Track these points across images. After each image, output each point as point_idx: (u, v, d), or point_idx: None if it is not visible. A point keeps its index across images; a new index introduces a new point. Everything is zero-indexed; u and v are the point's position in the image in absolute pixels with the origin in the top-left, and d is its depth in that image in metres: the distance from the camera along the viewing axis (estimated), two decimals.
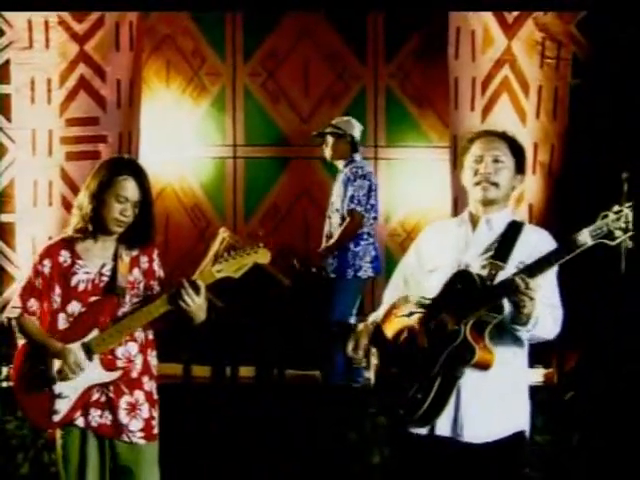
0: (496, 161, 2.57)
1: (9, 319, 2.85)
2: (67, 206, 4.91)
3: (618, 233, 2.24)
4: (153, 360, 2.89)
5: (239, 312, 4.73)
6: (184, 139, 5.85)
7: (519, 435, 2.58)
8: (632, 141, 4.57)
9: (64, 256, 2.82)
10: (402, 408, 2.57)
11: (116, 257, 2.81)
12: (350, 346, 2.69)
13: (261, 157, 6.00)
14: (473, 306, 2.43)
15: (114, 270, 2.79)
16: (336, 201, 4.93)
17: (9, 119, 4.92)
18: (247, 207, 6.00)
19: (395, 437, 2.73)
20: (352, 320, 4.89)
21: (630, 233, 2.22)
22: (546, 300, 2.46)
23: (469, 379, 2.51)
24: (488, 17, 4.88)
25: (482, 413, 2.54)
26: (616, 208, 2.25)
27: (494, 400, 2.55)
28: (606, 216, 2.27)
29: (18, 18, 4.83)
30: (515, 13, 4.82)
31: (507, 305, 2.43)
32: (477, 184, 2.58)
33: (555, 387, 4.45)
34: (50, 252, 2.84)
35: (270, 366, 4.85)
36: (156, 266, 2.88)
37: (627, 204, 2.23)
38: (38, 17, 4.84)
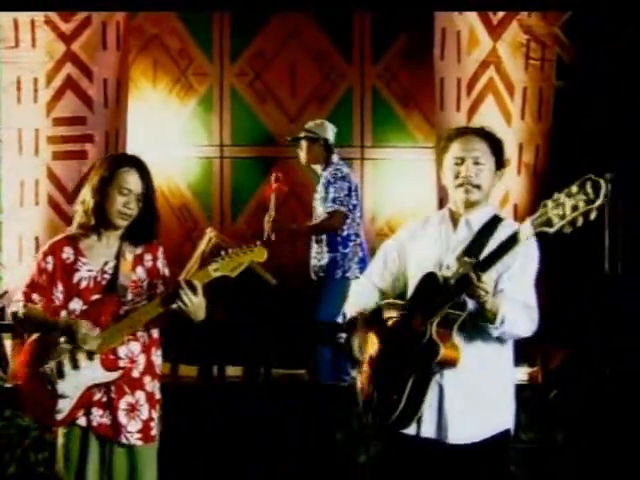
0: (477, 163, 2.58)
1: (14, 313, 2.82)
2: (54, 205, 4.96)
3: (556, 220, 2.26)
4: (157, 360, 2.87)
5: (226, 311, 4.71)
6: (171, 139, 5.84)
7: (504, 434, 2.60)
8: (616, 141, 4.61)
9: (67, 253, 2.81)
10: (382, 409, 2.61)
11: (119, 255, 2.80)
12: (356, 348, 2.68)
13: (248, 157, 6.01)
14: (436, 305, 2.48)
15: (117, 268, 2.78)
16: (319, 206, 4.95)
17: None
18: (234, 207, 5.99)
19: (383, 436, 2.75)
20: (339, 320, 4.86)
21: (566, 219, 2.24)
22: (520, 298, 2.50)
23: (452, 380, 2.54)
24: (473, 18, 4.93)
25: (466, 415, 2.55)
26: (555, 196, 2.28)
27: (478, 401, 2.56)
28: (545, 205, 2.30)
29: (4, 17, 4.83)
30: (500, 15, 4.87)
31: (471, 302, 2.48)
32: (459, 186, 2.59)
33: (540, 385, 4.46)
34: (53, 249, 2.83)
35: (257, 365, 4.84)
36: (160, 264, 2.87)
37: (564, 191, 2.25)
38: (24, 16, 4.84)
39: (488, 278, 2.40)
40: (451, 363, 2.50)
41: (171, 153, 5.88)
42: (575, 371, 4.50)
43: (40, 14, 4.83)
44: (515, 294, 2.51)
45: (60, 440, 2.80)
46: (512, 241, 2.39)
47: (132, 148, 5.07)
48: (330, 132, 5.02)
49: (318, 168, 5.04)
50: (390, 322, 2.67)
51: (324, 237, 4.89)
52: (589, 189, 2.21)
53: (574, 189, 2.23)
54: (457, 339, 2.49)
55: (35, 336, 2.82)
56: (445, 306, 2.46)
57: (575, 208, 2.23)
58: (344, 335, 4.66)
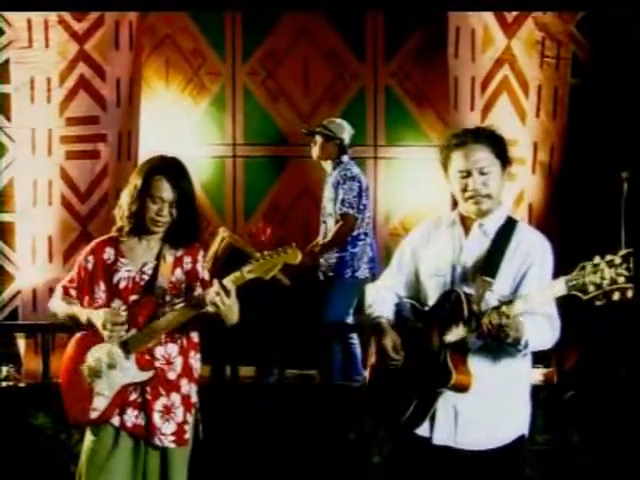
0: (483, 173, 2.54)
1: (50, 306, 2.92)
2: (67, 205, 4.96)
3: (591, 288, 2.19)
4: (196, 363, 2.89)
5: (239, 311, 4.69)
6: (184, 138, 5.83)
7: (519, 439, 2.58)
8: (632, 140, 4.58)
9: (108, 253, 2.86)
10: (387, 412, 2.63)
11: (159, 257, 2.83)
12: (390, 349, 2.62)
13: (261, 156, 6.00)
14: (456, 330, 2.45)
15: (156, 270, 2.81)
16: (328, 205, 4.93)
17: (9, 118, 4.92)
18: (247, 206, 5.99)
19: (395, 437, 2.72)
20: (349, 320, 4.91)
21: (602, 290, 2.16)
22: (540, 310, 2.45)
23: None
24: (488, 16, 4.89)
25: (482, 421, 2.53)
26: (595, 261, 2.19)
27: (494, 407, 2.54)
28: (583, 268, 2.22)
29: (17, 17, 4.83)
30: (515, 13, 4.82)
31: None
32: (469, 199, 2.56)
33: (555, 386, 4.44)
34: (95, 249, 2.89)
35: (270, 365, 4.82)
36: (200, 267, 2.88)
37: (606, 258, 2.17)
38: (38, 16, 4.84)
39: (515, 314, 2.35)
40: (462, 389, 2.48)
41: (183, 152, 5.69)
42: (590, 372, 4.48)
43: (53, 14, 4.83)
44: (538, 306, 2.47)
45: (88, 438, 2.82)
46: (540, 296, 2.37)
47: (144, 147, 5.10)
48: (347, 133, 5.01)
49: (328, 166, 5.03)
50: (406, 328, 2.65)
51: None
52: (632, 264, 2.14)
53: (617, 260, 2.16)
54: (470, 364, 2.48)
55: (77, 336, 2.87)
56: (466, 333, 2.45)
57: (614, 282, 2.16)
58: (355, 336, 4.81)
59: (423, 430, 2.56)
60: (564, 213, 4.75)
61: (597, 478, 4.13)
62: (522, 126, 4.84)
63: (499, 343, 2.42)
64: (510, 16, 4.85)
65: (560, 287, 2.27)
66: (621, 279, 2.15)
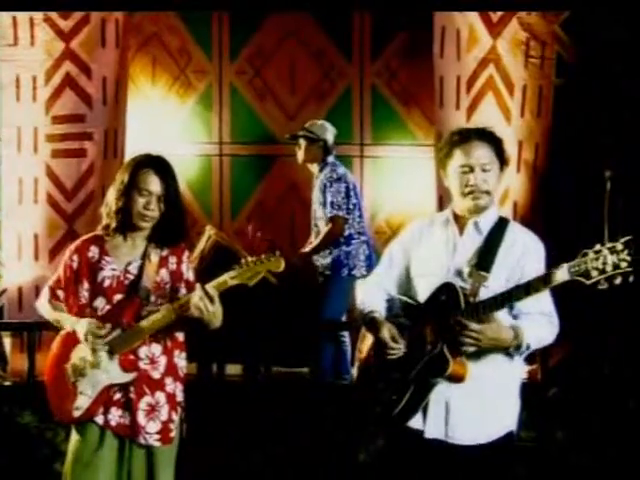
0: (484, 170, 2.58)
1: (38, 308, 2.93)
2: (53, 204, 4.95)
3: (594, 273, 2.25)
4: (181, 362, 2.86)
5: (226, 309, 4.69)
6: (170, 136, 5.81)
7: (508, 435, 2.60)
8: (615, 139, 4.62)
9: (93, 252, 2.84)
10: (379, 406, 2.63)
11: (144, 256, 2.82)
12: (389, 340, 2.62)
13: (247, 155, 5.99)
14: (452, 324, 2.47)
15: (140, 269, 2.80)
16: (318, 209, 4.94)
17: None
18: (233, 205, 5.98)
19: (387, 429, 2.76)
20: (343, 318, 4.92)
21: (605, 274, 2.23)
22: (538, 309, 2.49)
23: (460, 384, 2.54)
24: (473, 16, 4.91)
25: (473, 416, 2.55)
26: (597, 247, 2.26)
27: (485, 403, 2.56)
28: (586, 254, 2.28)
29: (2, 15, 4.80)
30: (500, 13, 4.85)
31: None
32: (468, 194, 2.58)
33: (539, 383, 4.45)
34: (80, 247, 2.87)
35: (257, 363, 4.80)
36: (184, 268, 2.86)
37: (608, 245, 2.25)
38: (23, 14, 4.81)
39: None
40: (458, 379, 2.51)
41: (170, 150, 5.71)
42: (574, 369, 4.51)
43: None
44: (533, 305, 2.51)
45: (74, 437, 2.81)
46: (542, 283, 2.39)
47: (131, 146, 5.08)
48: (330, 134, 5.00)
49: (314, 168, 5.03)
50: (398, 323, 2.67)
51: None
52: (634, 250, 2.21)
53: (619, 246, 2.23)
54: (465, 357, 2.50)
55: (62, 333, 2.86)
56: (461, 330, 2.46)
57: (616, 266, 2.23)
58: (346, 334, 4.82)
59: (416, 423, 2.58)
60: (548, 211, 4.78)
61: (581, 475, 4.14)
62: (507, 125, 4.86)
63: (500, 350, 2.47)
64: (495, 16, 4.87)
65: (562, 274, 2.31)
66: (624, 264, 2.22)
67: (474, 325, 2.41)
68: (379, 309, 2.72)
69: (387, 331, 2.62)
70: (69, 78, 4.89)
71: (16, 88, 4.87)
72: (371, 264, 4.85)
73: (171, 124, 5.90)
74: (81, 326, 2.75)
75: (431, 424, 2.57)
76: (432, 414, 2.57)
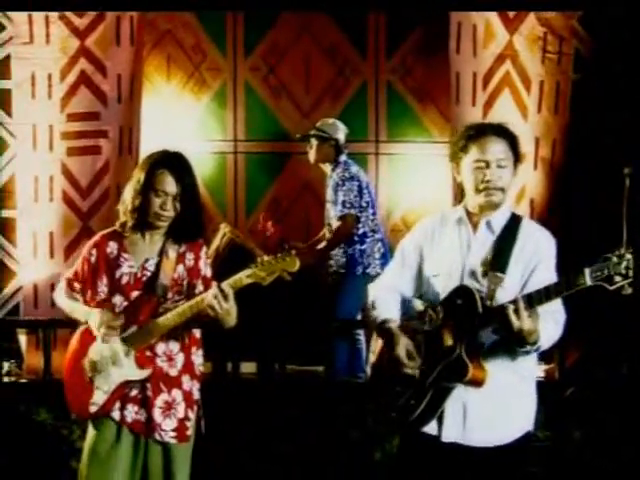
0: (500, 166, 2.56)
1: (55, 298, 2.96)
2: (68, 201, 4.95)
3: (617, 278, 2.21)
4: (197, 359, 2.87)
5: (240, 307, 4.69)
6: (185, 134, 5.79)
7: (525, 436, 2.59)
8: (634, 136, 4.57)
9: (112, 247, 2.86)
10: (395, 411, 2.62)
11: (162, 253, 2.82)
12: (405, 358, 2.58)
13: (262, 152, 5.98)
14: (470, 327, 2.46)
15: (158, 266, 2.81)
16: (331, 208, 4.93)
17: (10, 114, 4.91)
18: (248, 202, 5.97)
19: (403, 433, 2.73)
20: (358, 316, 4.87)
21: (629, 280, 2.19)
22: (548, 307, 2.44)
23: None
24: (489, 12, 4.86)
25: (490, 418, 2.54)
26: (619, 251, 2.21)
27: (502, 404, 2.55)
28: (608, 258, 2.23)
29: (18, 13, 4.80)
30: None
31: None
32: (483, 190, 2.56)
33: (556, 383, 4.43)
34: (99, 242, 2.88)
35: (272, 362, 4.80)
36: (202, 264, 2.86)
37: (630, 249, 2.20)
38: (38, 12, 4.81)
39: (529, 321, 2.34)
40: (477, 383, 2.49)
41: (185, 148, 5.76)
42: (592, 368, 4.48)
43: None
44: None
45: (90, 433, 2.83)
46: (564, 287, 2.34)
47: (146, 143, 5.08)
48: (341, 132, 5.00)
49: (327, 167, 5.02)
50: (415, 329, 2.65)
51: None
52: None
53: None
54: (483, 360, 2.49)
55: (81, 329, 2.88)
56: (480, 330, 2.46)
57: None
58: (361, 332, 4.81)
59: (430, 428, 2.57)
60: (566, 209, 4.74)
61: (598, 475, 4.12)
62: (524, 122, 4.82)
63: (515, 341, 2.41)
64: (512, 11, 4.82)
65: (584, 279, 2.26)
66: None
67: (526, 321, 2.34)
68: (393, 315, 2.69)
69: (403, 348, 2.58)
70: (84, 76, 4.89)
71: (31, 86, 4.87)
72: (386, 262, 4.75)
73: (186, 121, 5.89)
74: (94, 316, 2.77)
75: (448, 427, 2.55)
76: (449, 417, 2.55)
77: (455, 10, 4.90)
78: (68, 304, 2.91)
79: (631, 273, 2.19)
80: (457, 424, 2.54)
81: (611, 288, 2.22)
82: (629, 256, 2.19)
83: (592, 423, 4.18)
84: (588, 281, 2.26)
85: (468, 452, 2.54)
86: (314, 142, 4.99)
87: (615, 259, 2.21)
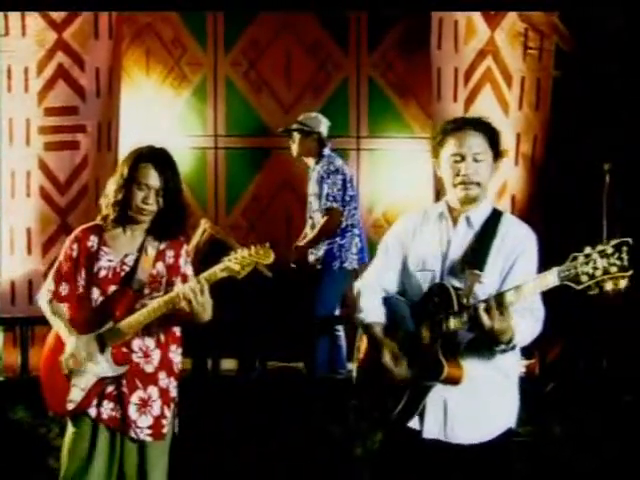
0: (476, 160, 2.54)
1: (40, 305, 2.91)
2: (46, 197, 4.90)
3: (584, 278, 2.16)
4: (176, 357, 2.85)
5: (220, 304, 4.66)
6: (164, 129, 5.77)
7: (507, 432, 2.58)
8: (614, 132, 4.59)
9: (92, 241, 2.84)
10: (377, 409, 2.63)
11: (142, 249, 2.81)
12: (391, 364, 2.57)
13: (243, 147, 5.95)
14: (446, 325, 2.45)
15: (137, 262, 2.79)
16: (313, 201, 4.90)
17: None
18: (228, 198, 5.95)
19: (385, 429, 2.73)
20: (337, 311, 4.89)
21: (595, 280, 2.15)
22: (527, 305, 2.43)
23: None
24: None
25: (471, 415, 2.54)
26: (587, 251, 2.17)
27: (483, 401, 2.54)
28: (575, 258, 2.19)
29: None
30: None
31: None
32: (459, 184, 2.55)
33: (537, 378, 4.44)
34: (79, 236, 2.87)
35: (252, 358, 4.80)
36: (182, 262, 2.85)
37: (598, 248, 2.15)
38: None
39: (501, 320, 2.32)
40: (454, 381, 2.47)
41: (165, 143, 5.72)
42: (572, 363, 4.50)
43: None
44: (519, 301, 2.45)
45: (69, 429, 2.82)
46: (532, 286, 2.32)
47: (125, 138, 5.04)
48: (323, 126, 4.97)
49: (310, 161, 5.00)
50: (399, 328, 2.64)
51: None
52: (625, 254, 2.11)
53: (609, 250, 2.14)
54: (460, 358, 2.48)
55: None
56: (455, 328, 2.44)
57: (606, 271, 2.13)
58: (341, 328, 4.80)
59: (413, 423, 2.56)
60: (547, 204, 4.75)
61: (578, 470, 4.12)
62: (505, 117, 4.84)
63: (488, 340, 2.40)
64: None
65: (552, 278, 2.24)
66: (614, 269, 2.13)
67: (498, 321, 2.33)
68: (377, 317, 2.67)
69: (388, 354, 2.57)
70: (62, 69, 4.85)
71: (8, 79, 4.82)
72: (363, 257, 4.86)
73: (165, 116, 5.87)
74: (70, 344, 2.76)
75: (429, 424, 2.55)
76: (430, 415, 2.55)
77: (436, 10, 4.90)
78: (51, 321, 2.88)
79: (598, 273, 2.14)
80: (438, 421, 2.54)
81: (578, 288, 2.18)
82: (596, 255, 2.15)
83: (572, 418, 4.19)
84: (556, 281, 2.23)
85: (450, 449, 2.53)
86: (297, 136, 4.95)
87: (582, 258, 2.18)
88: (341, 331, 4.87)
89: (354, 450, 4.15)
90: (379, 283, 2.72)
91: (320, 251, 4.84)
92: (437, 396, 2.53)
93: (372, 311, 2.67)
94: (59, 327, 2.83)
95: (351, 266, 4.81)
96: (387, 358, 2.56)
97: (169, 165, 2.80)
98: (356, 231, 4.88)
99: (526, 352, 4.44)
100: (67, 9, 4.77)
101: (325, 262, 4.83)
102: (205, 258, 4.34)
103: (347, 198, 4.83)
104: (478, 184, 2.55)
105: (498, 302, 2.32)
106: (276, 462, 4.15)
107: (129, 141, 5.11)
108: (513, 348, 2.44)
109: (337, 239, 4.81)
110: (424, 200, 5.13)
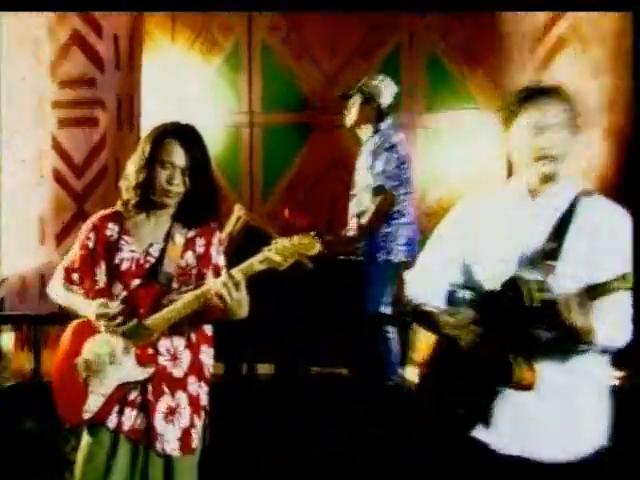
0: (557, 132, 2.39)
1: (51, 292, 2.83)
2: (60, 180, 4.91)
3: None
4: (207, 359, 2.72)
5: (255, 302, 4.43)
6: (192, 104, 5.65)
7: (598, 451, 2.37)
8: None
9: (111, 230, 2.72)
10: (444, 420, 2.52)
11: (168, 237, 2.69)
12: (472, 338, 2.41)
13: (281, 124, 5.80)
14: (518, 324, 2.32)
15: (163, 252, 2.67)
16: (362, 177, 4.61)
17: None
18: (265, 181, 5.80)
19: (452, 440, 2.55)
20: (387, 310, 4.56)
21: None
22: (611, 300, 2.27)
23: (538, 392, 2.33)
24: None
25: (553, 427, 2.36)
26: None
27: (570, 413, 2.36)
28: None
29: None
30: None
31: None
32: (538, 159, 2.40)
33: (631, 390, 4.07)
34: (97, 224, 2.75)
35: (291, 363, 4.62)
36: (214, 252, 2.70)
37: None
38: None
39: (583, 318, 2.19)
40: (526, 388, 2.33)
41: (192, 120, 5.63)
42: None
43: None
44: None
45: (85, 440, 2.67)
46: (621, 282, 2.19)
47: (147, 114, 4.93)
48: (388, 95, 4.62)
49: (364, 133, 4.66)
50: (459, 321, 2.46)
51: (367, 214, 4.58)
52: None
53: None
54: (535, 361, 2.33)
55: (73, 324, 2.74)
56: (527, 329, 2.31)
57: None
58: (392, 329, 4.60)
59: (482, 434, 2.41)
60: (635, 181, 4.41)
61: None
62: (587, 86, 4.43)
63: (569, 338, 2.26)
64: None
65: None
66: None
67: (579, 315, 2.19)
68: (439, 303, 2.53)
69: (470, 333, 2.40)
70: (77, 36, 4.70)
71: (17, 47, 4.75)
72: (413, 249, 4.53)
73: (193, 89, 5.74)
74: (92, 310, 2.63)
75: (504, 437, 2.39)
76: (504, 426, 2.38)
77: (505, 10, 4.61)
78: (66, 300, 2.77)
79: None
80: (513, 434, 2.38)
81: None
82: None
83: None
84: None
85: (528, 466, 2.36)
86: (354, 103, 4.62)
87: None
88: (392, 333, 4.55)
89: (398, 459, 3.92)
90: (437, 274, 2.59)
91: (364, 240, 4.57)
92: (514, 404, 2.37)
93: (432, 298, 2.55)
94: (77, 302, 2.71)
95: (397, 258, 4.48)
96: (469, 337, 2.41)
97: (196, 142, 2.66)
98: (404, 219, 4.54)
99: (619, 362, 4.04)
100: (67, 9, 4.67)
101: (369, 253, 4.53)
102: (239, 249, 4.13)
103: (402, 180, 4.49)
104: (559, 158, 2.42)
105: (582, 297, 2.21)
106: (317, 470, 3.90)
107: (152, 118, 5.07)
108: (594, 348, 2.30)
109: (382, 227, 4.50)
110: (488, 184, 4.77)
